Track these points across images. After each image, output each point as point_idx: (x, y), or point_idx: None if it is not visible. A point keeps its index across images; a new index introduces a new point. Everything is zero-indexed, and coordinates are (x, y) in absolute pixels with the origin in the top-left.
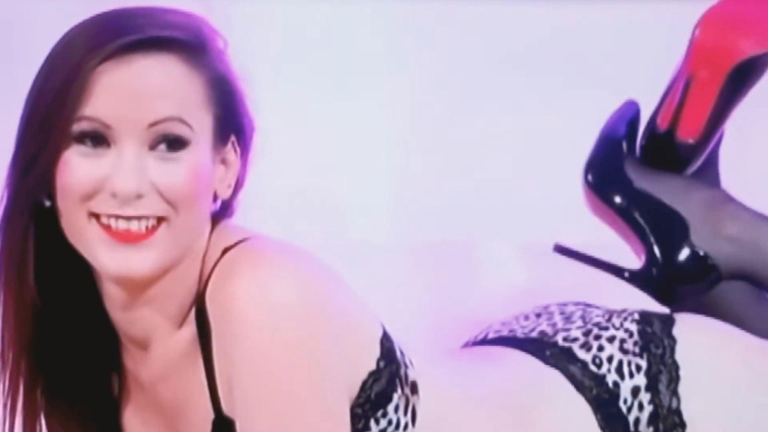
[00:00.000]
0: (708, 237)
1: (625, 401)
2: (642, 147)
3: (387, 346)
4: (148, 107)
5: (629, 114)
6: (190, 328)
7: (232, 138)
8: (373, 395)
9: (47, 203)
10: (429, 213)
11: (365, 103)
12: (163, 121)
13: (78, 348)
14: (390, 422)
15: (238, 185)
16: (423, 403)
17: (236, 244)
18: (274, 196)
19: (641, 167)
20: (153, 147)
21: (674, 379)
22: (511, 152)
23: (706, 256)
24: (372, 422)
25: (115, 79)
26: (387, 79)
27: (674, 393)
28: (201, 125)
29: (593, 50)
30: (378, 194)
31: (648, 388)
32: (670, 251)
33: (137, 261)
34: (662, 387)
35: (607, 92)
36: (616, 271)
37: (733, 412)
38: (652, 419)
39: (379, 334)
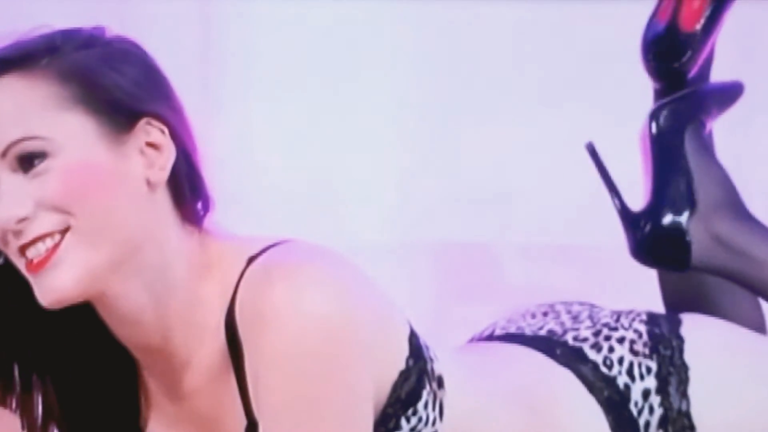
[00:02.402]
0: (698, 226)
1: (636, 404)
2: (645, 44)
3: (415, 344)
4: None
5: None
6: (219, 339)
7: (146, 120)
8: (403, 394)
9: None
10: (430, 213)
11: (366, 102)
12: (11, 146)
13: (95, 372)
14: (420, 419)
15: (196, 168)
16: (448, 396)
17: (262, 252)
18: (274, 195)
19: (699, 137)
20: (24, 169)
21: (684, 380)
22: (512, 152)
23: (685, 233)
24: (403, 420)
25: None
26: (388, 78)
27: (684, 395)
28: (66, 127)
29: (595, 50)
30: (379, 194)
31: (658, 391)
32: (664, 212)
33: (54, 282)
34: (672, 389)
35: (609, 92)
36: (617, 198)
37: (743, 412)
38: (662, 422)
39: (407, 331)
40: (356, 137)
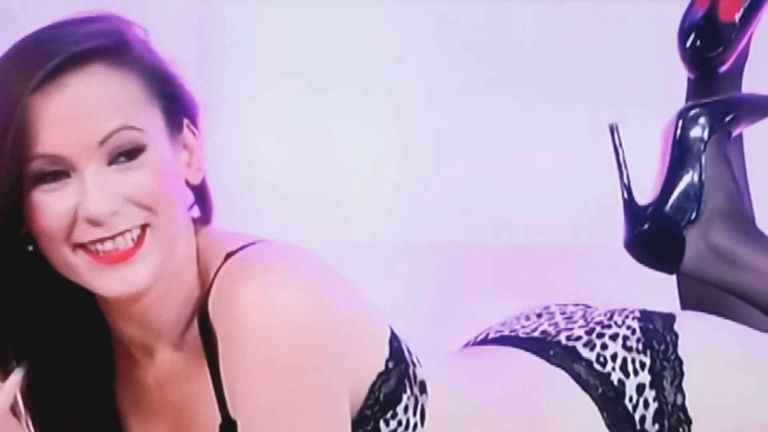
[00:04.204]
0: (697, 233)
1: (631, 399)
2: (681, 32)
3: (395, 346)
4: (93, 126)
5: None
6: (195, 333)
7: (186, 121)
8: (382, 396)
9: (30, 248)
10: (429, 213)
11: (366, 103)
12: (112, 135)
13: (74, 359)
14: (400, 423)
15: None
16: (432, 402)
17: (239, 249)
18: (275, 195)
19: (722, 146)
20: (112, 161)
21: (678, 375)
22: (512, 152)
23: (682, 238)
24: (381, 423)
25: (51, 108)
26: (388, 78)
27: (679, 389)
28: (151, 122)
29: (594, 50)
30: (378, 194)
31: (652, 386)
32: (668, 212)
33: (134, 276)
34: (666, 384)
35: (609, 92)
36: (626, 186)
37: (738, 405)
38: (657, 416)
39: (387, 334)
40: (356, 137)
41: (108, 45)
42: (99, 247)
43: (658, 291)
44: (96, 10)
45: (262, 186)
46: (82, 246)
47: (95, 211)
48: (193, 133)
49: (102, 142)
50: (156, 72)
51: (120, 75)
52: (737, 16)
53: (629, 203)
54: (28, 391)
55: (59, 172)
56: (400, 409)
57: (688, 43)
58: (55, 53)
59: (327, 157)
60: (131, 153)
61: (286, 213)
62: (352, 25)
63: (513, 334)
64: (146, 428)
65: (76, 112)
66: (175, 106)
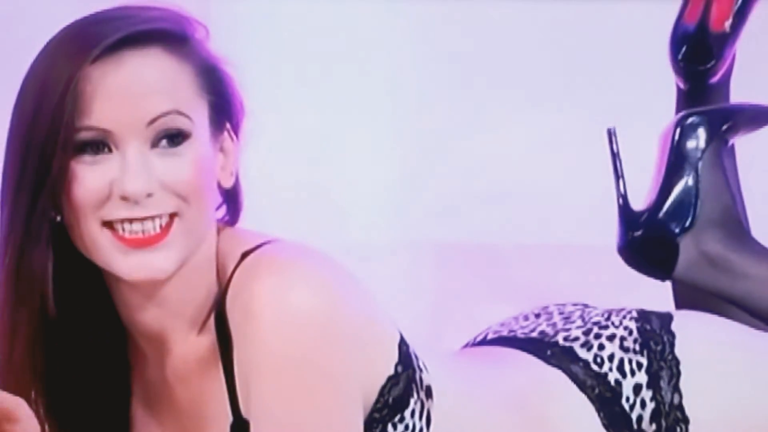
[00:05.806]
0: (690, 241)
1: (628, 399)
2: (674, 44)
3: (404, 351)
4: (144, 105)
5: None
6: (210, 331)
7: (227, 125)
8: (390, 400)
9: (58, 218)
10: (429, 213)
11: (366, 102)
12: (162, 117)
13: (87, 353)
14: (407, 427)
15: (239, 179)
16: (437, 407)
17: (255, 248)
18: (275, 195)
19: (718, 154)
20: (155, 144)
21: (675, 375)
22: (512, 152)
23: (676, 245)
24: (389, 427)
25: (106, 82)
26: (388, 78)
27: (676, 389)
28: (198, 115)
29: (596, 51)
30: (378, 194)
31: (649, 386)
32: (662, 219)
33: (157, 263)
34: (663, 384)
35: (610, 92)
36: (621, 191)
37: (736, 404)
38: (655, 416)
39: (397, 338)
40: (356, 137)
41: (169, 31)
42: (126, 227)
43: (658, 291)
44: (96, 8)
45: (262, 186)
46: (109, 225)
47: (131, 190)
48: (232, 139)
49: (150, 123)
50: (210, 69)
51: (176, 62)
52: (727, 24)
53: (624, 209)
54: (43, 381)
55: (102, 146)
56: (407, 413)
57: (680, 56)
58: (118, 29)
59: (327, 156)
60: (176, 138)
61: (286, 213)
62: (353, 25)
63: (511, 334)
64: (156, 426)
65: (130, 89)
66: (222, 107)
